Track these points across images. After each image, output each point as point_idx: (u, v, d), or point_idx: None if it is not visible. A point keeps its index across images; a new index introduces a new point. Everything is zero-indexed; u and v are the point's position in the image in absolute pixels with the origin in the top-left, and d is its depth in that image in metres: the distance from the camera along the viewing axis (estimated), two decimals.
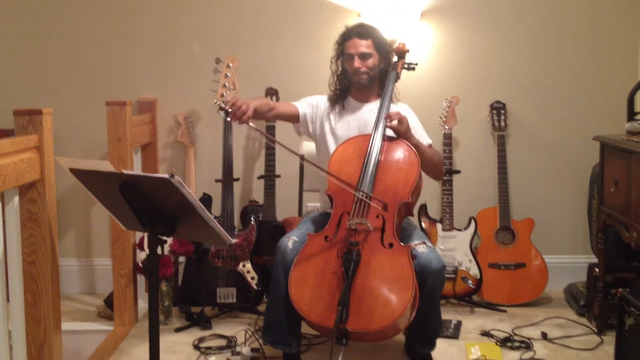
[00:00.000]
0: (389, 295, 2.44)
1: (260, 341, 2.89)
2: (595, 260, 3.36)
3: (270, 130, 3.52)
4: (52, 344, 2.43)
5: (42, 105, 2.42)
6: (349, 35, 2.88)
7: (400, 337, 2.89)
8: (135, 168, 3.47)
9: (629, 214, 2.86)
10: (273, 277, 2.67)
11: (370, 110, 2.91)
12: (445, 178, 3.52)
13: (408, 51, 2.99)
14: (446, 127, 3.59)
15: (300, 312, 2.48)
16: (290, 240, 2.68)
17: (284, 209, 3.55)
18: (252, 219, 3.43)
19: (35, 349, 2.41)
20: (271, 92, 3.56)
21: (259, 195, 3.69)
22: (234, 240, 3.32)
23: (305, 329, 2.75)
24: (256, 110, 2.64)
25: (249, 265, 3.38)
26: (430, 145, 2.89)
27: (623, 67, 3.76)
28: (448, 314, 3.43)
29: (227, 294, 3.38)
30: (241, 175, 3.81)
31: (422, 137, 2.88)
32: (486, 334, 3.19)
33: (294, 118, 2.96)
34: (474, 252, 3.53)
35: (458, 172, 3.66)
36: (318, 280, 2.50)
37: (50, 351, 2.42)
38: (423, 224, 3.58)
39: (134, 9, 3.76)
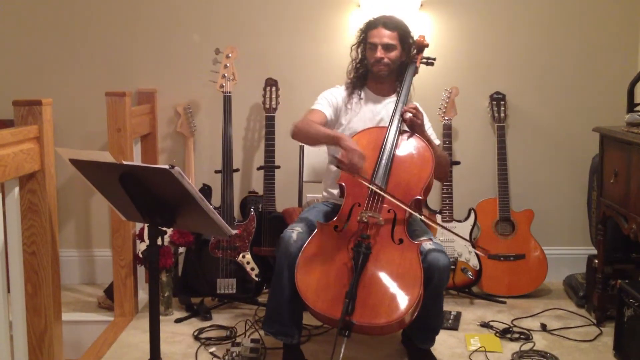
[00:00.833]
0: (397, 291, 2.42)
1: (261, 332, 2.89)
2: (594, 251, 3.37)
3: (270, 120, 3.51)
4: (53, 335, 2.43)
5: (42, 96, 2.41)
6: (374, 24, 2.82)
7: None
8: (135, 159, 3.47)
9: (628, 206, 2.87)
10: (276, 268, 2.64)
11: (387, 104, 2.87)
12: None
13: (427, 45, 2.91)
14: (446, 118, 3.59)
15: (305, 300, 2.46)
16: (294, 232, 2.63)
17: (283, 200, 3.54)
18: (252, 209, 3.43)
19: (35, 339, 2.41)
20: (270, 83, 3.55)
21: (258, 186, 3.69)
22: (233, 231, 3.31)
23: (305, 319, 2.75)
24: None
25: (248, 256, 3.38)
26: (438, 146, 2.86)
27: (623, 58, 3.75)
28: (448, 305, 3.42)
29: (227, 285, 3.38)
30: (241, 166, 3.81)
31: (432, 136, 2.86)
32: (486, 325, 3.20)
33: (327, 126, 2.85)
34: (473, 243, 3.54)
35: (458, 163, 3.66)
36: (326, 270, 2.49)
37: (51, 341, 2.43)
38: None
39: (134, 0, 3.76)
